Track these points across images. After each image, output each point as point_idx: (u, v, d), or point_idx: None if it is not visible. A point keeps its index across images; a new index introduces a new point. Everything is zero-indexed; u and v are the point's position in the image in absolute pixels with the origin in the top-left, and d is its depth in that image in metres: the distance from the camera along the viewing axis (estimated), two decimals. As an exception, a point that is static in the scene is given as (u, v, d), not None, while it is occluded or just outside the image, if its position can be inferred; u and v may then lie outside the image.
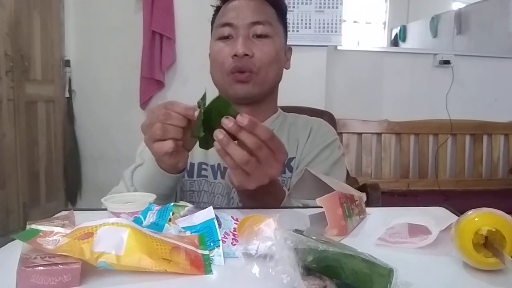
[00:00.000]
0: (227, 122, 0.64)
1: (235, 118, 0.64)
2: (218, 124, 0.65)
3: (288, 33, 1.07)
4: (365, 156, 2.91)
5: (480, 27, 3.86)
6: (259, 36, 0.95)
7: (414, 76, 3.01)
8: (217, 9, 1.03)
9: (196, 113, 0.68)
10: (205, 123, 0.67)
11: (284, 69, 1.05)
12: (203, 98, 0.68)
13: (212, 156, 0.98)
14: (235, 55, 0.93)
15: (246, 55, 0.93)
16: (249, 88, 0.95)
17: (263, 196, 0.78)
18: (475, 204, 0.56)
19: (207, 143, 0.69)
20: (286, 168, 0.99)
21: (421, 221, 0.61)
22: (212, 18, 1.05)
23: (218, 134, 0.64)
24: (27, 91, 2.64)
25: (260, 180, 0.69)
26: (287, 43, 1.07)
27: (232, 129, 0.64)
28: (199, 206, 0.65)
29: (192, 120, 0.70)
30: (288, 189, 0.97)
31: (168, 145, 0.71)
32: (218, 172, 0.99)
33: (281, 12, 1.03)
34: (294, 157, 1.01)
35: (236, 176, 0.69)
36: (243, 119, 0.63)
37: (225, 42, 0.96)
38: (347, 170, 1.13)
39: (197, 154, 0.99)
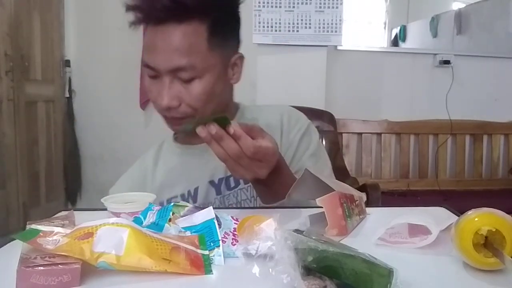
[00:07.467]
0: (212, 127, 0.66)
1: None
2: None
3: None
4: (365, 156, 2.90)
5: (480, 27, 3.86)
6: (186, 81, 0.84)
7: (414, 76, 3.00)
8: None
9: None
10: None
11: (234, 84, 0.94)
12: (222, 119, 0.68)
13: None
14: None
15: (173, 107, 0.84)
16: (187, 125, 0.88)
17: (272, 185, 0.77)
18: (475, 204, 0.55)
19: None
20: None
21: (421, 221, 0.61)
22: None
23: (201, 131, 0.67)
24: (27, 91, 2.64)
25: (244, 177, 0.71)
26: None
27: (216, 136, 0.66)
28: (198, 207, 0.65)
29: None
30: None
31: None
32: None
33: (217, 28, 0.85)
34: None
35: (226, 166, 0.72)
36: (230, 129, 0.67)
37: (153, 80, 0.88)
38: (347, 170, 1.12)
39: None
